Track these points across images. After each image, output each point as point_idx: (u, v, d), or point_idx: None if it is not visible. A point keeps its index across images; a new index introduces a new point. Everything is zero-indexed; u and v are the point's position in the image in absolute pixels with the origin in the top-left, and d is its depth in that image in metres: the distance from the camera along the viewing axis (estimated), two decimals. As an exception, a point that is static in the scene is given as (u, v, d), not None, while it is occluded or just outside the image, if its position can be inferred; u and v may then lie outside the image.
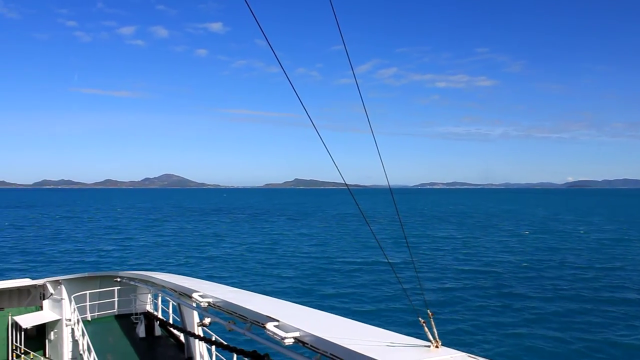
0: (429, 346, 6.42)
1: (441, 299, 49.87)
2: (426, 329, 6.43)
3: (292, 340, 7.59)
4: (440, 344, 6.41)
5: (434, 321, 6.44)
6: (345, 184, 7.59)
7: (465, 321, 41.98)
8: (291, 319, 8.28)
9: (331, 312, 9.14)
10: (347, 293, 53.46)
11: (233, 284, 13.31)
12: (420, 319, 6.50)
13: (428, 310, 6.55)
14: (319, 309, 9.53)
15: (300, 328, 7.63)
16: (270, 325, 8.14)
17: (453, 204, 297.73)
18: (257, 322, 8.93)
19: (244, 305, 9.72)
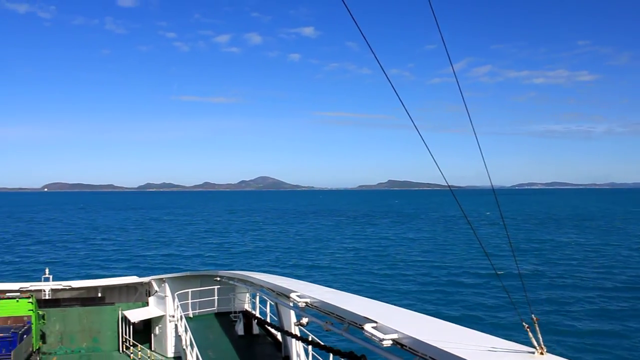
0: (533, 352, 6.27)
1: (550, 305, 47.55)
2: (530, 334, 6.28)
3: (391, 342, 7.66)
4: (545, 350, 6.24)
5: (538, 326, 6.29)
6: (448, 185, 7.59)
7: (575, 329, 39.74)
8: (389, 320, 8.36)
9: (429, 314, 9.13)
10: (448, 295, 52.71)
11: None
12: (524, 323, 6.36)
13: (532, 315, 6.39)
14: (419, 312, 9.55)
15: (399, 330, 7.68)
16: (368, 327, 8.26)
17: (561, 206, 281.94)
18: (354, 323, 9.08)
19: (341, 306, 9.91)
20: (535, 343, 6.26)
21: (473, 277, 64.84)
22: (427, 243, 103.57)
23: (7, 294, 27.55)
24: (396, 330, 7.69)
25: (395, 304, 10.46)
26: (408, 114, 6.75)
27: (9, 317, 25.97)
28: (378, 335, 7.82)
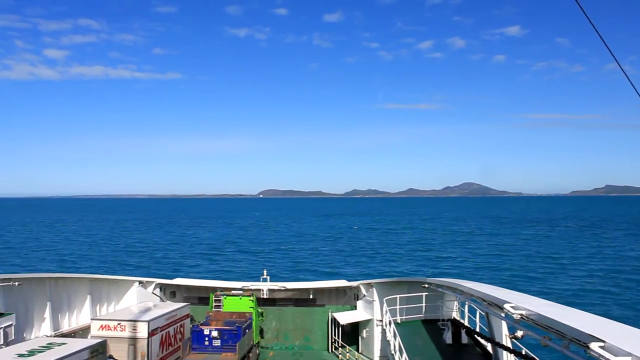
0: None
1: None
2: None
3: None
4: None
5: None
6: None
7: None
8: (621, 340, 7.67)
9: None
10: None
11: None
12: None
13: None
14: None
15: (633, 352, 7.04)
16: (594, 346, 7.69)
17: None
18: (577, 341, 8.51)
19: (562, 321, 9.33)
20: None
21: None
22: None
23: (232, 292, 30.97)
24: (629, 353, 7.06)
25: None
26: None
27: (234, 312, 29.17)
28: (607, 357, 7.26)
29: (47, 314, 23.34)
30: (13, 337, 20.14)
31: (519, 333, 11.26)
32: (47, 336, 22.47)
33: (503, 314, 12.32)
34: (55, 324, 23.92)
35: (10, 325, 20.09)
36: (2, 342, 19.49)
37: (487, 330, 17.76)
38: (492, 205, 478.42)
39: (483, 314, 18.70)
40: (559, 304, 12.10)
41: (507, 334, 15.39)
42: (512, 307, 11.48)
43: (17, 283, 20.87)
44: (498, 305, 12.79)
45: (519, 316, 11.09)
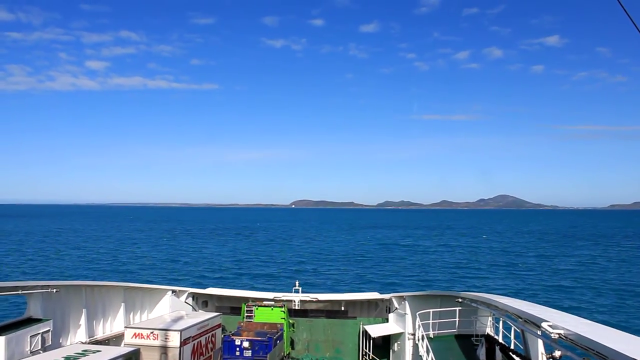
0: None
1: None
2: None
3: None
4: None
5: None
6: None
7: None
8: None
9: None
10: None
11: None
12: None
13: None
14: None
15: None
16: None
17: None
18: None
19: (603, 343, 9.01)
20: None
21: None
22: None
23: (264, 302, 31.03)
24: None
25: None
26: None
27: (265, 323, 29.22)
28: None
29: (83, 320, 23.73)
30: (50, 343, 20.53)
31: (557, 353, 10.96)
32: (82, 343, 22.87)
33: (540, 332, 11.97)
34: (90, 331, 24.29)
35: (47, 331, 20.50)
36: (39, 347, 19.89)
37: (522, 348, 17.33)
38: (529, 219, 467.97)
39: (518, 331, 18.27)
40: (599, 324, 11.69)
41: (544, 352, 14.99)
42: (549, 325, 11.15)
43: (54, 290, 21.27)
44: (535, 323, 12.44)
45: (557, 335, 10.75)
